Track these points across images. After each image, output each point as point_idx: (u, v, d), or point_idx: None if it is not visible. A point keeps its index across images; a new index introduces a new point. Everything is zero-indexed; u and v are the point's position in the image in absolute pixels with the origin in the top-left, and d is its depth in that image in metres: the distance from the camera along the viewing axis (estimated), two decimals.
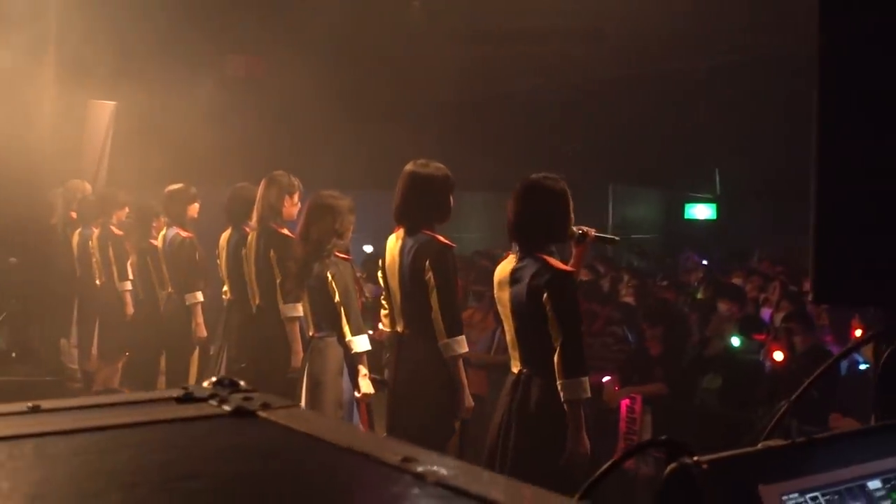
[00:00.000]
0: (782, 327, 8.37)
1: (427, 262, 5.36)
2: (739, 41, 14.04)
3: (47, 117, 10.56)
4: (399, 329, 5.65)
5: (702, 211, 19.47)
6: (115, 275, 9.23)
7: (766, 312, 9.36)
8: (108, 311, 9.28)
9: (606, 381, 7.96)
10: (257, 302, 7.10)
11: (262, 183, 6.98)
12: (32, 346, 10.20)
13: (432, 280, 5.33)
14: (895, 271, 2.14)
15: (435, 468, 0.91)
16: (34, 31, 10.34)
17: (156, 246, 8.52)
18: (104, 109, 11.36)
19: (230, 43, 12.52)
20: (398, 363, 5.59)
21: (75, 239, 9.74)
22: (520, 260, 4.83)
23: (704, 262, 14.06)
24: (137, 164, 9.44)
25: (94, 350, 9.37)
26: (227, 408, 1.18)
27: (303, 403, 6.02)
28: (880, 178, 2.18)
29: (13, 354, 10.53)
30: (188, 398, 1.23)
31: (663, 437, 1.37)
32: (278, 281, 6.79)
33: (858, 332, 7.56)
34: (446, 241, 5.44)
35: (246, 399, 1.21)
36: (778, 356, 7.65)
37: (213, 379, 1.33)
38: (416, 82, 13.14)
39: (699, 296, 10.24)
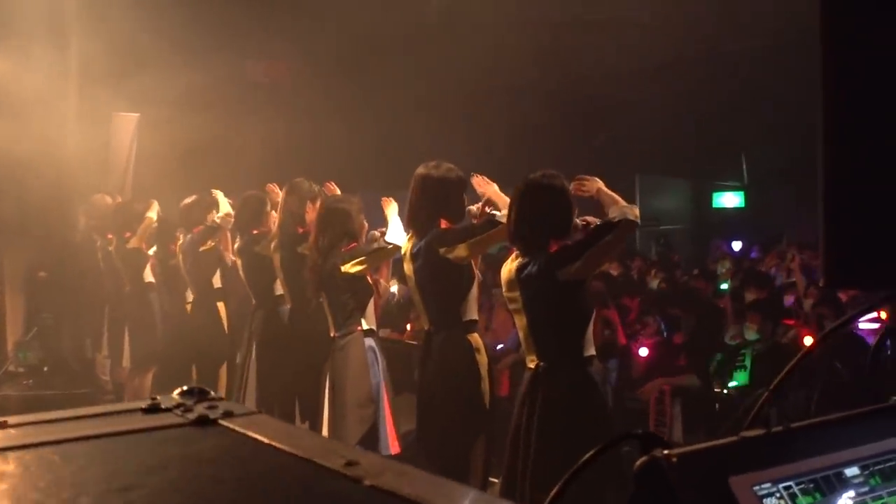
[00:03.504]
0: (813, 313, 8.32)
1: (436, 247, 5.38)
2: (765, 26, 13.93)
3: (72, 132, 10.68)
4: (426, 327, 5.68)
5: (730, 199, 19.36)
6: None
7: (789, 300, 9.28)
8: (136, 320, 9.34)
9: (643, 357, 7.99)
10: (288, 306, 7.17)
11: (283, 190, 7.02)
12: (64, 359, 10.33)
13: (447, 249, 5.34)
14: None
15: (373, 471, 0.91)
16: (56, 47, 10.46)
17: (177, 255, 8.55)
18: (128, 122, 11.47)
19: (250, 49, 12.59)
20: (426, 359, 5.61)
21: (99, 251, 9.81)
22: (524, 256, 4.82)
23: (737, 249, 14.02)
24: (161, 175, 9.50)
25: (125, 361, 9.43)
26: (189, 417, 1.20)
27: (326, 403, 6.03)
28: (891, 158, 2.16)
29: (45, 368, 10.69)
30: (154, 409, 1.25)
31: (638, 431, 1.36)
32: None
33: (884, 316, 7.48)
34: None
35: (210, 408, 1.23)
36: (808, 341, 7.60)
37: (183, 388, 1.34)
38: (439, 77, 13.15)
39: (727, 285, 10.18)
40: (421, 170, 5.54)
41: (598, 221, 5.11)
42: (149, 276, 9.36)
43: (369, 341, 6.12)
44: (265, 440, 1.05)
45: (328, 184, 7.15)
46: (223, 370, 8.24)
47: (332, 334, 6.22)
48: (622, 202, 4.68)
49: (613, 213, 4.62)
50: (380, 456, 1.07)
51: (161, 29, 10.13)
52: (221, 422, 1.17)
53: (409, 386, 6.61)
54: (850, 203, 2.20)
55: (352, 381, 6.05)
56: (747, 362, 7.54)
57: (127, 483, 0.92)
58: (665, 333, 8.57)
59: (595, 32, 14.01)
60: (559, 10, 13.64)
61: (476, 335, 5.47)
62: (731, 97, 15.60)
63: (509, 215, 4.89)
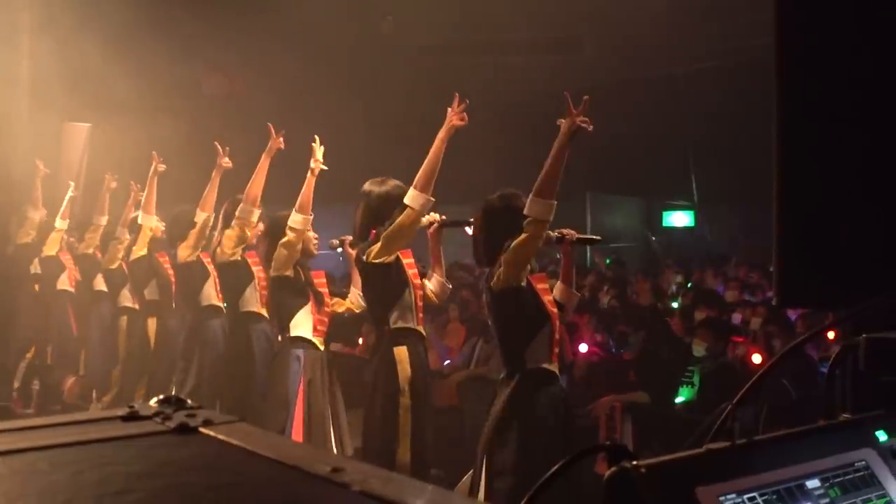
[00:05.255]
0: (762, 331, 8.43)
1: (361, 255, 5.53)
2: (714, 47, 14.13)
3: (23, 140, 10.54)
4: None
5: (679, 218, 19.56)
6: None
7: (736, 317, 9.41)
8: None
9: (582, 353, 8.08)
10: None
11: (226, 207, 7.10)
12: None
13: (369, 252, 5.45)
14: (855, 275, 2.17)
15: (359, 477, 0.93)
16: (7, 55, 10.33)
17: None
18: (79, 132, 11.36)
19: (206, 61, 12.53)
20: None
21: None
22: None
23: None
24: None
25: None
26: (170, 425, 1.21)
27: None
28: (841, 182, 2.22)
29: None
30: (133, 417, 1.26)
31: (606, 443, 1.40)
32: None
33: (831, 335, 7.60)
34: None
35: (189, 416, 1.24)
36: (757, 359, 7.70)
37: (161, 397, 1.35)
38: (390, 95, 13.19)
39: (678, 303, 10.28)
40: (366, 185, 5.63)
41: (574, 234, 5.19)
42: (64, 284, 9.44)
43: (297, 350, 6.18)
44: (249, 448, 1.06)
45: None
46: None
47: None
48: (549, 185, 4.67)
49: (528, 211, 4.66)
50: (366, 464, 1.09)
51: (114, 39, 10.04)
52: (202, 430, 1.18)
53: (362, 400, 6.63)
54: (802, 226, 2.27)
55: (271, 385, 6.27)
56: (695, 379, 7.62)
57: (120, 489, 0.93)
58: (614, 350, 8.65)
59: (544, 53, 14.13)
60: (510, 32, 13.74)
61: (403, 348, 5.49)
62: (681, 117, 15.78)
63: (473, 235, 5.01)
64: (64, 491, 0.92)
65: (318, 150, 6.21)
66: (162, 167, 8.08)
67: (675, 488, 1.33)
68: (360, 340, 9.48)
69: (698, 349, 7.80)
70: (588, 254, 16.16)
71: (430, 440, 5.60)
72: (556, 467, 1.38)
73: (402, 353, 5.48)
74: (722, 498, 1.33)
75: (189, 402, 1.33)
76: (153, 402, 1.33)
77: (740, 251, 15.02)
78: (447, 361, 8.72)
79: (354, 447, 6.25)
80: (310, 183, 6.21)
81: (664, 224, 19.64)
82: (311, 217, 6.23)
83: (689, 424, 7.35)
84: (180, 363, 7.36)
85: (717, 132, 15.50)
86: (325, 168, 6.19)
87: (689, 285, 12.12)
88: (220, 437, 1.13)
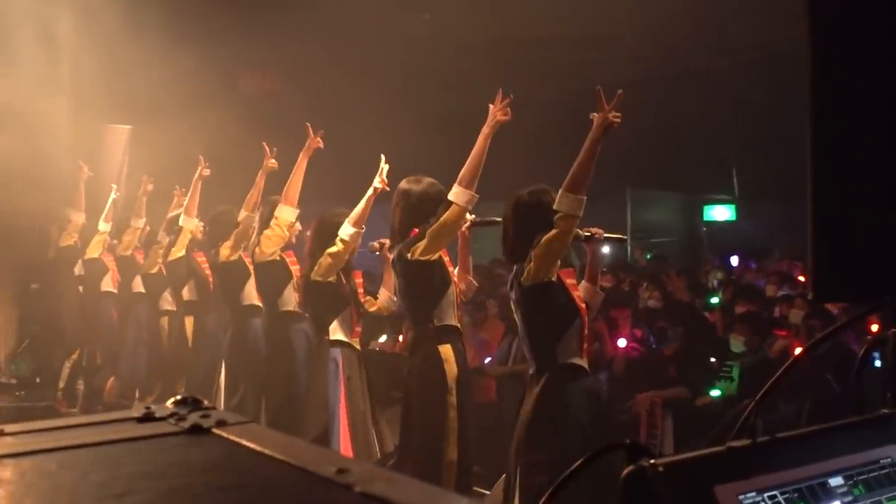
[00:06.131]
0: (804, 325, 8.34)
1: (404, 252, 5.49)
2: (754, 40, 13.98)
3: (64, 144, 10.66)
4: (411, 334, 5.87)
5: (721, 212, 19.41)
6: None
7: (780, 312, 9.31)
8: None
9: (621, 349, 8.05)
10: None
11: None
12: (56, 371, 10.33)
13: (413, 250, 5.43)
14: (890, 269, 2.14)
15: (364, 478, 0.93)
16: (47, 60, 10.45)
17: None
18: (120, 134, 11.47)
19: (243, 61, 12.59)
20: (409, 369, 5.70)
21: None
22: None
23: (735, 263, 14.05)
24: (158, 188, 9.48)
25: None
26: (183, 426, 1.21)
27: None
28: (876, 174, 2.18)
29: (37, 380, 10.69)
30: (148, 418, 1.26)
31: (627, 441, 1.38)
32: None
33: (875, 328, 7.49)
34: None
35: (203, 417, 1.24)
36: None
37: (176, 398, 1.36)
38: (428, 93, 13.18)
39: (719, 298, 10.21)
40: (403, 184, 5.62)
41: (602, 232, 5.17)
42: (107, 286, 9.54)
43: (334, 352, 6.18)
44: (258, 448, 1.06)
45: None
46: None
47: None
48: (580, 180, 4.62)
49: (558, 206, 4.63)
50: (370, 464, 1.10)
51: (152, 41, 10.12)
52: (215, 431, 1.19)
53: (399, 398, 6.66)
54: (837, 218, 2.23)
55: (311, 387, 6.30)
56: (735, 374, 7.56)
57: (123, 490, 0.93)
58: (654, 346, 8.61)
59: (585, 48, 14.05)
60: (549, 27, 13.68)
61: (447, 346, 5.49)
62: (722, 111, 15.65)
63: (503, 230, 4.98)
64: (67, 492, 0.93)
65: (384, 170, 6.18)
66: (207, 171, 8.13)
67: (693, 487, 1.31)
68: (401, 338, 9.50)
69: (736, 344, 7.74)
70: (629, 250, 16.09)
71: (473, 437, 5.60)
72: (573, 466, 1.38)
73: (447, 351, 5.48)
74: (741, 496, 1.32)
75: (205, 402, 1.34)
76: (170, 402, 1.34)
77: (782, 245, 14.87)
78: (487, 359, 8.71)
79: (394, 444, 6.25)
80: (369, 200, 6.18)
81: (705, 218, 19.51)
82: (364, 231, 6.23)
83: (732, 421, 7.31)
84: (224, 363, 7.40)
85: (758, 125, 15.35)
86: (388, 189, 6.13)
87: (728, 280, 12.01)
88: (232, 438, 1.14)
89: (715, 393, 7.50)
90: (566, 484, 1.38)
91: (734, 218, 19.26)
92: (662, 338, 8.63)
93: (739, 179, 18.47)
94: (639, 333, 8.62)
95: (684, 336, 8.20)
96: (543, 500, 1.38)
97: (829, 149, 2.24)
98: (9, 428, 1.20)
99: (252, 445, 1.09)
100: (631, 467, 1.31)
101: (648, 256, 14.79)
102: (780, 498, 1.35)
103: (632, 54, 13.92)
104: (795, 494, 1.37)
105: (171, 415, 1.27)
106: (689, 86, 15.29)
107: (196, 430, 1.19)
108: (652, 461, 1.30)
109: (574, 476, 1.38)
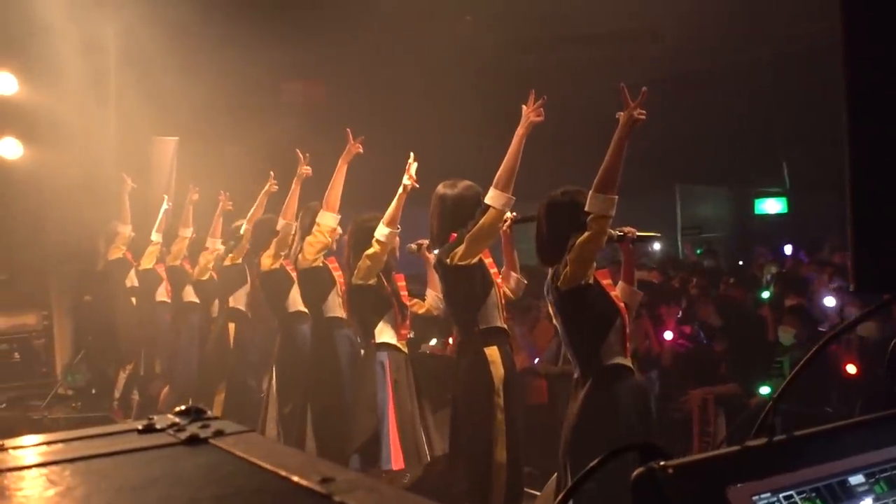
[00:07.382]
0: (839, 317, 8.24)
1: (444, 258, 5.46)
2: (798, 30, 13.80)
3: (112, 158, 10.80)
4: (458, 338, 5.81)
5: (772, 206, 19.17)
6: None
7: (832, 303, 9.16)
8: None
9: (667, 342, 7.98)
10: None
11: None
12: (111, 381, 10.46)
13: (452, 255, 5.40)
14: None
15: (346, 488, 0.92)
16: (93, 74, 10.59)
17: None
18: (167, 145, 11.57)
19: (285, 69, 12.65)
20: (456, 372, 5.69)
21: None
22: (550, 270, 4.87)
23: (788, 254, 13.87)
24: (202, 198, 9.56)
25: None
26: (181, 436, 1.21)
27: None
28: None
29: (93, 391, 10.84)
30: (149, 429, 1.26)
31: (641, 441, 1.35)
32: None
33: None
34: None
35: (202, 427, 1.24)
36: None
37: (180, 408, 1.36)
38: (470, 93, 13.14)
39: (769, 292, 10.07)
40: (439, 188, 5.61)
41: (635, 231, 5.11)
42: (162, 296, 9.67)
43: (381, 355, 6.19)
44: (249, 458, 1.05)
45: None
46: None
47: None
48: (609, 179, 4.55)
49: (589, 208, 4.58)
50: (360, 474, 1.08)
51: (195, 51, 10.21)
52: (211, 441, 1.18)
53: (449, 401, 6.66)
54: (877, 206, 2.18)
55: (359, 391, 6.31)
56: (785, 369, 7.44)
57: (106, 502, 0.93)
58: (704, 341, 8.51)
59: (629, 43, 13.96)
60: (589, 25, 13.61)
61: (493, 348, 5.46)
62: (770, 103, 15.46)
63: (536, 231, 4.94)
64: None
65: (412, 167, 6.16)
66: (275, 187, 8.15)
67: (705, 488, 1.28)
68: (451, 340, 9.50)
69: (786, 336, 7.62)
70: (679, 245, 15.96)
71: (522, 438, 5.58)
72: (587, 468, 1.35)
73: (493, 353, 5.45)
74: (755, 497, 1.28)
75: (208, 412, 1.34)
76: (172, 413, 1.34)
77: (836, 237, 14.64)
78: (537, 360, 8.67)
79: (444, 447, 6.24)
80: (400, 198, 6.17)
81: (756, 211, 19.29)
82: (399, 230, 6.24)
83: (782, 416, 7.18)
84: (274, 371, 7.43)
85: (805, 116, 15.12)
86: (418, 186, 6.13)
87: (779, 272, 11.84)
88: (225, 448, 1.13)
89: (764, 390, 7.39)
90: (581, 484, 1.36)
91: (786, 210, 19.01)
92: (712, 333, 8.53)
93: (790, 171, 18.23)
94: (687, 330, 8.53)
95: (734, 331, 8.10)
96: (558, 500, 1.36)
97: (867, 133, 2.19)
98: (8, 442, 1.20)
99: (243, 455, 1.08)
100: (641, 469, 1.28)
101: (699, 252, 14.62)
102: (797, 498, 1.31)
103: (674, 49, 13.80)
104: (813, 493, 1.32)
105: (172, 425, 1.27)
106: (734, 79, 15.13)
107: (193, 440, 1.19)
108: (662, 462, 1.27)
109: (589, 477, 1.36)
